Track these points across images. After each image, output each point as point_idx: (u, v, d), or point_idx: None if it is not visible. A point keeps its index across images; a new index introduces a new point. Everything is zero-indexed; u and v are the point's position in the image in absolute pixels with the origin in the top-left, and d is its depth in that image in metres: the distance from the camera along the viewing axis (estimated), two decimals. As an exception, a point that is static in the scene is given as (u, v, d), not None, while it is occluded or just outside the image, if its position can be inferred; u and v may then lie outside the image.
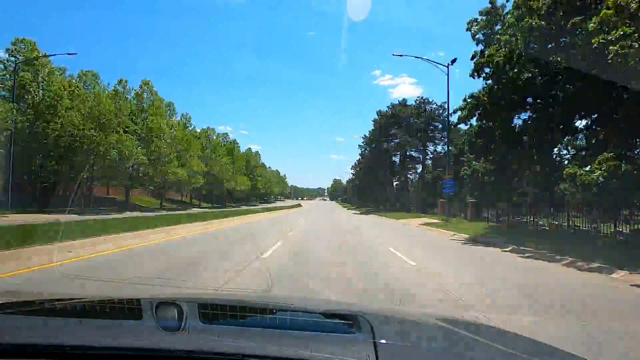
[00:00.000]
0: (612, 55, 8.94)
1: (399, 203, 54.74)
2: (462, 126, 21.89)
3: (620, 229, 13.78)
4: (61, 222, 12.81)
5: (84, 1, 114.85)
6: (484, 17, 17.83)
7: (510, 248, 12.90)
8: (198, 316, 1.59)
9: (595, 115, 15.01)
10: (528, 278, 8.21)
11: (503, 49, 14.78)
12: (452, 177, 25.59)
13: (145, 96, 42.40)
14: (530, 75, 14.76)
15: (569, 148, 19.72)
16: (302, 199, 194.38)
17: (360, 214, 50.66)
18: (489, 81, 16.12)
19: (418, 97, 45.07)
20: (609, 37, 9.17)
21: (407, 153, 50.53)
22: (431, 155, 47.67)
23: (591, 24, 9.90)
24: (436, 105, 45.10)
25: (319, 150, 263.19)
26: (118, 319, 1.69)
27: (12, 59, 30.67)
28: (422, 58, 24.43)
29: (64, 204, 28.99)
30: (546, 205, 18.43)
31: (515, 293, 6.54)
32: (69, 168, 31.34)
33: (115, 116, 33.73)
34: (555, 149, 18.16)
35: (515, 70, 14.61)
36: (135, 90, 42.02)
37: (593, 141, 14.93)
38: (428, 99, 46.20)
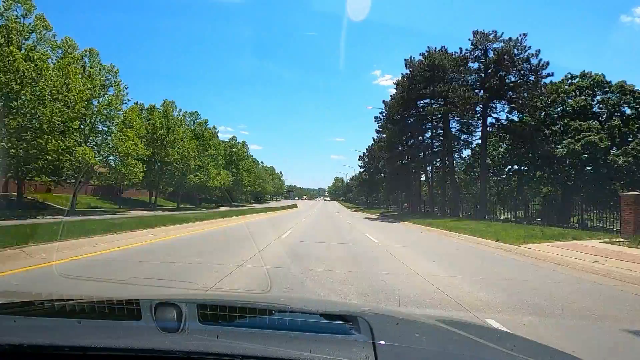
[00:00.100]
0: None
1: (433, 203, 37.21)
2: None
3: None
4: None
5: (82, 1, 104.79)
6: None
7: None
8: (197, 317, 1.57)
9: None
10: None
11: None
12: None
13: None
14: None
15: None
16: (298, 198, 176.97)
17: (380, 220, 33.27)
18: None
19: (475, 30, 23.78)
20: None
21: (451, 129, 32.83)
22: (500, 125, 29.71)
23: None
24: (511, 41, 26.73)
25: (319, 150, 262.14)
26: (117, 319, 1.69)
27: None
28: None
29: None
30: None
31: None
32: None
33: None
34: None
35: None
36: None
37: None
38: (494, 33, 27.94)
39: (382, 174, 60.09)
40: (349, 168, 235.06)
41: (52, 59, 26.07)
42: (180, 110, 48.71)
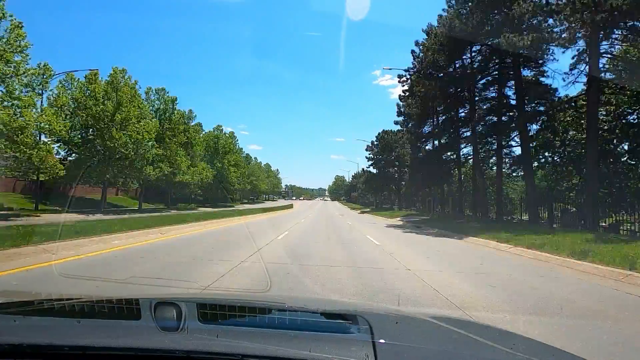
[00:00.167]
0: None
1: (483, 203, 25.70)
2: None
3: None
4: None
5: (81, 1, 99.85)
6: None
7: None
8: (197, 316, 1.58)
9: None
10: None
11: None
12: None
13: None
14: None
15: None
16: (296, 198, 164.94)
17: (413, 229, 21.52)
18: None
19: None
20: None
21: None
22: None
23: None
24: None
25: (319, 150, 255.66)
26: (117, 319, 1.69)
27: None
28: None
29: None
30: None
31: None
32: None
33: None
34: None
35: None
36: None
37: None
38: None
39: (396, 167, 48.53)
40: (352, 164, 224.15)
41: None
42: (143, 86, 37.30)
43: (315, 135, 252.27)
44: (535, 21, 16.66)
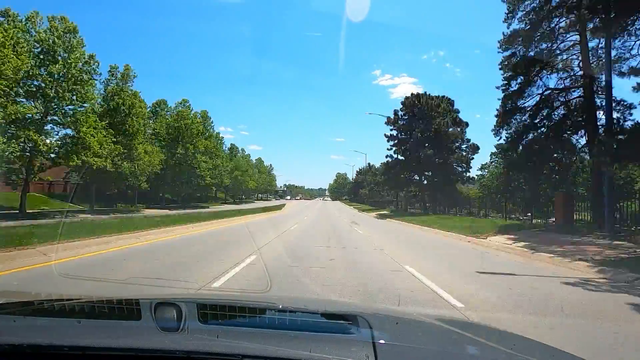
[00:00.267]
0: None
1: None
2: None
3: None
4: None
5: (79, 1, 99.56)
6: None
7: None
8: (197, 316, 1.57)
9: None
10: None
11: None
12: None
13: None
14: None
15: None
16: (291, 198, 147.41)
17: None
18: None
19: None
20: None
21: None
22: None
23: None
24: None
25: (319, 150, 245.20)
26: (117, 319, 1.69)
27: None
28: None
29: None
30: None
31: None
32: None
33: None
34: None
35: None
36: None
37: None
38: None
39: (433, 149, 32.33)
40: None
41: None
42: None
43: (316, 135, 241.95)
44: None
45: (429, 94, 34.10)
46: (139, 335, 1.33)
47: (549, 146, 17.81)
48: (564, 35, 17.61)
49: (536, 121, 18.37)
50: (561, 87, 18.50)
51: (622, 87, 39.94)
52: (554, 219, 18.04)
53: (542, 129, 18.25)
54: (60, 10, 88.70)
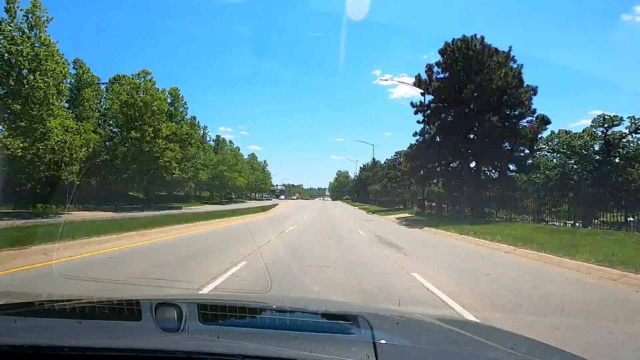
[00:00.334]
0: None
1: None
2: None
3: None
4: None
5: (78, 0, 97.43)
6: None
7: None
8: (197, 317, 1.56)
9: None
10: None
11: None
12: None
13: None
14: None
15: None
16: (285, 197, 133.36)
17: None
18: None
19: None
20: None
21: None
22: None
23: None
24: None
25: (319, 151, 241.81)
26: (117, 319, 1.68)
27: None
28: None
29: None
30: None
31: None
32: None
33: None
34: None
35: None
36: None
37: None
38: None
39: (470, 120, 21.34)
40: (351, 162, 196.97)
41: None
42: None
43: (315, 135, 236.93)
44: None
45: (483, 38, 22.99)
46: (139, 336, 1.32)
47: None
48: None
49: None
50: None
51: None
52: None
53: None
54: (60, 10, 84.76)
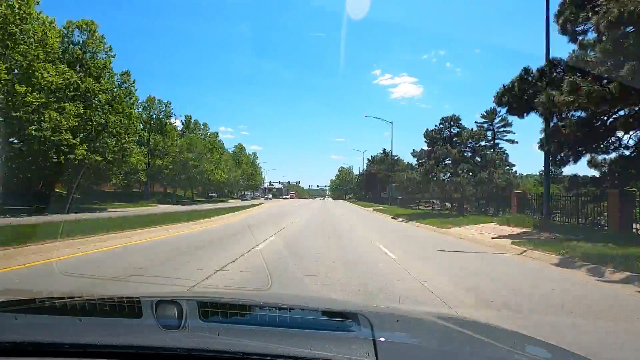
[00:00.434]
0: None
1: None
2: None
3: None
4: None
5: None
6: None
7: None
8: (198, 314, 1.57)
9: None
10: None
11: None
12: None
13: None
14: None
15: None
16: (272, 197, 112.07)
17: None
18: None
19: None
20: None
21: None
22: None
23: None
24: None
25: (320, 150, 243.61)
26: (118, 317, 1.67)
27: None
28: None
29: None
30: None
31: None
32: None
33: None
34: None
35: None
36: None
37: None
38: None
39: None
40: (354, 161, 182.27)
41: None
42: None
43: (316, 135, 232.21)
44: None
45: None
46: (139, 333, 1.32)
47: None
48: None
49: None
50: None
51: None
52: None
53: None
54: (57, 9, 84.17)
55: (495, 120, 36.29)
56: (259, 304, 2.04)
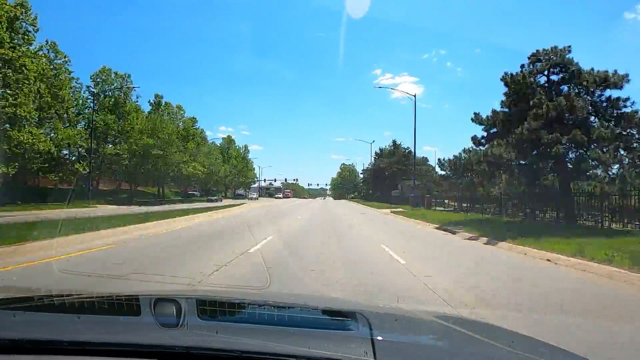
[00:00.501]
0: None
1: None
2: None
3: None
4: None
5: None
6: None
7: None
8: (196, 313, 1.55)
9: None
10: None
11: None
12: None
13: None
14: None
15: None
16: (255, 197, 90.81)
17: None
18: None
19: None
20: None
21: None
22: None
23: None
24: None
25: (320, 150, 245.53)
26: (116, 315, 1.67)
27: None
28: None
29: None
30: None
31: None
32: None
33: None
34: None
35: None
36: None
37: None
38: None
39: None
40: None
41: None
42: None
43: (316, 135, 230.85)
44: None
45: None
46: (138, 331, 1.31)
47: None
48: None
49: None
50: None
51: None
52: None
53: None
54: (56, 7, 79.92)
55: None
56: (258, 303, 2.00)
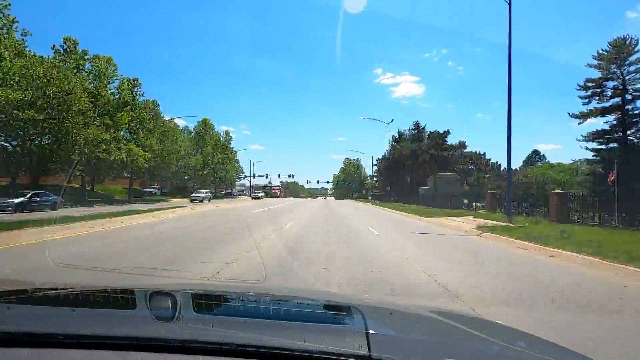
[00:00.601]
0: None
1: None
2: None
3: None
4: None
5: None
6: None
7: None
8: (192, 306, 1.54)
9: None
10: None
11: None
12: None
13: None
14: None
15: None
16: (237, 195, 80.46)
17: None
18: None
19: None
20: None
21: None
22: None
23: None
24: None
25: (321, 150, 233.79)
26: (112, 308, 1.66)
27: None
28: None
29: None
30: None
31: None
32: None
33: None
34: None
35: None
36: None
37: None
38: None
39: None
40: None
41: None
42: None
43: (318, 135, 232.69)
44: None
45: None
46: (133, 324, 1.31)
47: None
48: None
49: None
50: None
51: None
52: None
53: None
54: (55, 6, 74.99)
55: None
56: (254, 297, 2.01)
